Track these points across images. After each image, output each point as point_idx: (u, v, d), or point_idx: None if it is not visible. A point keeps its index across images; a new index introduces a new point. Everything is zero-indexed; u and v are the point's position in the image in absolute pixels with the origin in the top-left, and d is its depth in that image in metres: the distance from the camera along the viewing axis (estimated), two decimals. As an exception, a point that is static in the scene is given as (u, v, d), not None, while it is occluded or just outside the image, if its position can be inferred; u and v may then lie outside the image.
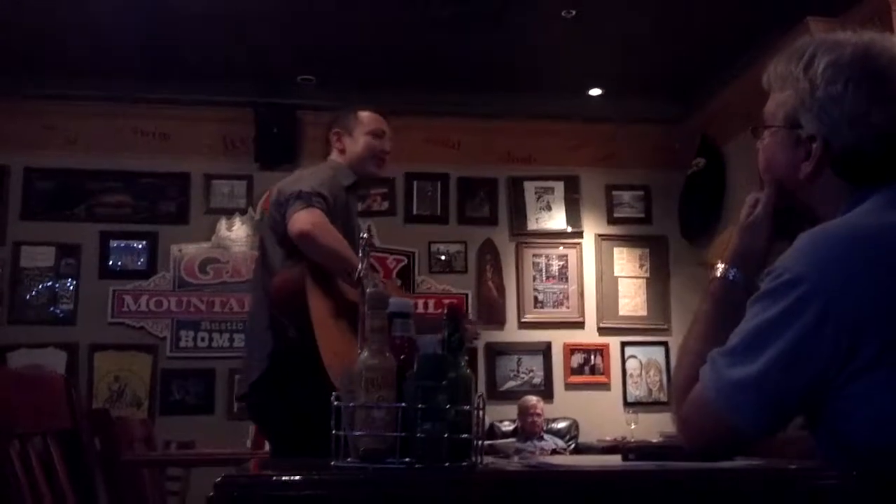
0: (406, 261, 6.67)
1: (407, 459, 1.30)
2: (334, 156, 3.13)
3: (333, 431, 1.40)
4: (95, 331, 6.17)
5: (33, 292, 6.25)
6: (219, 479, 1.13)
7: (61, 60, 5.96)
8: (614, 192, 7.03)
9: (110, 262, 6.35)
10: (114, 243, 6.35)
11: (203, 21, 5.45)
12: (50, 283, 6.27)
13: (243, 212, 6.57)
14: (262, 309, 2.81)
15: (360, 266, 2.60)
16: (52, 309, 6.25)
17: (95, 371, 6.15)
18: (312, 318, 2.62)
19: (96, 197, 6.41)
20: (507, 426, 6.21)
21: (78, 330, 6.22)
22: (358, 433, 1.39)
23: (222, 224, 6.52)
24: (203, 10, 5.32)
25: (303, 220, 2.71)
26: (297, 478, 1.23)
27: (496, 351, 6.66)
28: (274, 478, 1.26)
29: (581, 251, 6.90)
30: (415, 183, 6.85)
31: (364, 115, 3.16)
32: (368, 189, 3.35)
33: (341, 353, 2.61)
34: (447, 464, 1.29)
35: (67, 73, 6.08)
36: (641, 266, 6.94)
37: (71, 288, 6.27)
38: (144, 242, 6.42)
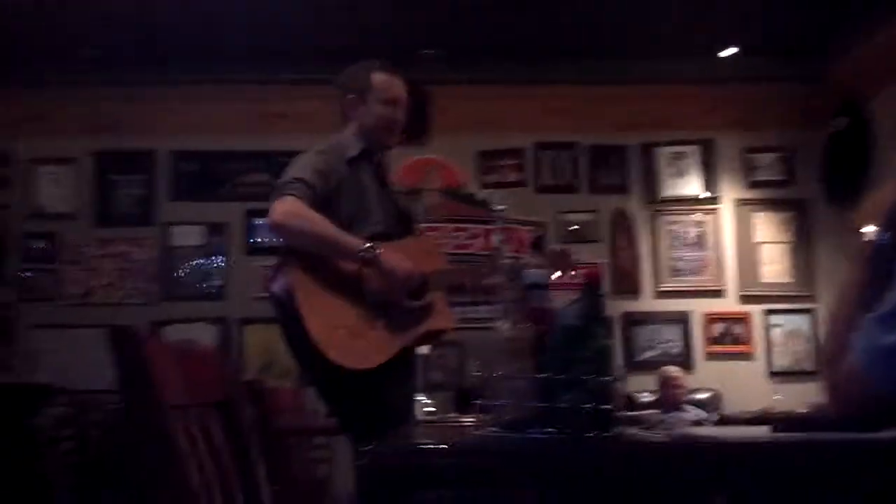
0: (538, 232, 6.65)
1: (549, 429, 1.31)
2: (350, 128, 3.03)
3: (476, 401, 1.42)
4: (244, 305, 6.41)
5: (183, 270, 6.58)
6: (369, 446, 1.17)
7: (202, 46, 6.20)
8: (752, 156, 6.78)
9: (256, 239, 6.59)
10: (257, 221, 6.58)
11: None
12: (200, 261, 6.58)
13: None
14: None
15: (360, 246, 2.67)
16: (202, 285, 6.56)
17: (245, 344, 6.42)
18: (297, 301, 2.64)
19: (238, 177, 6.66)
20: (646, 397, 6.12)
21: (227, 305, 6.50)
22: (499, 403, 1.40)
23: (357, 200, 6.65)
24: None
25: (273, 211, 2.73)
26: (443, 447, 1.25)
27: (633, 321, 6.57)
28: (419, 446, 1.29)
29: (719, 217, 6.71)
30: (544, 153, 6.80)
31: (377, 78, 3.03)
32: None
33: (334, 324, 2.64)
34: (590, 434, 1.29)
35: (208, 58, 6.31)
36: (784, 231, 6.69)
37: (220, 265, 6.56)
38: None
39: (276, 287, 2.76)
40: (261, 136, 6.62)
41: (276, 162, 6.61)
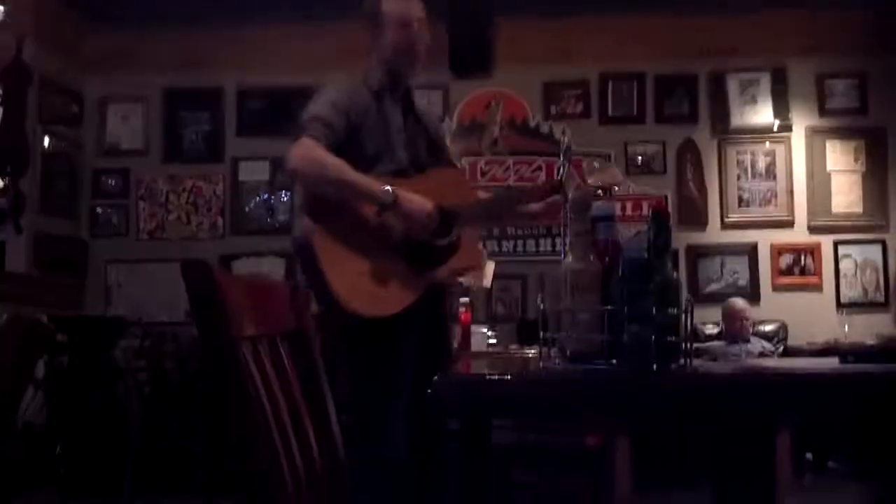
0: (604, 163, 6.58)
1: (614, 361, 1.32)
2: (372, 58, 2.90)
3: (541, 333, 1.43)
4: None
5: (252, 204, 6.68)
6: (436, 377, 1.19)
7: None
8: (826, 82, 6.57)
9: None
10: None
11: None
12: (266, 196, 6.68)
13: (441, 120, 6.67)
14: None
15: (379, 190, 2.58)
16: (269, 219, 6.66)
17: (311, 277, 6.52)
18: (316, 251, 2.57)
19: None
20: (711, 329, 6.09)
21: (294, 239, 6.59)
22: (565, 335, 1.41)
23: (421, 133, 6.65)
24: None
25: (289, 157, 2.64)
26: (508, 377, 1.27)
27: (698, 253, 6.49)
28: (488, 376, 1.31)
29: (790, 146, 6.54)
30: (609, 83, 6.68)
31: (387, 3, 2.89)
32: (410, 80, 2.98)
33: (357, 273, 2.58)
34: (655, 366, 1.29)
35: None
36: (857, 160, 6.51)
37: (286, 200, 6.64)
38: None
39: (297, 233, 2.72)
40: (324, 72, 6.60)
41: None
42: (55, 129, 6.36)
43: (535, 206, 2.92)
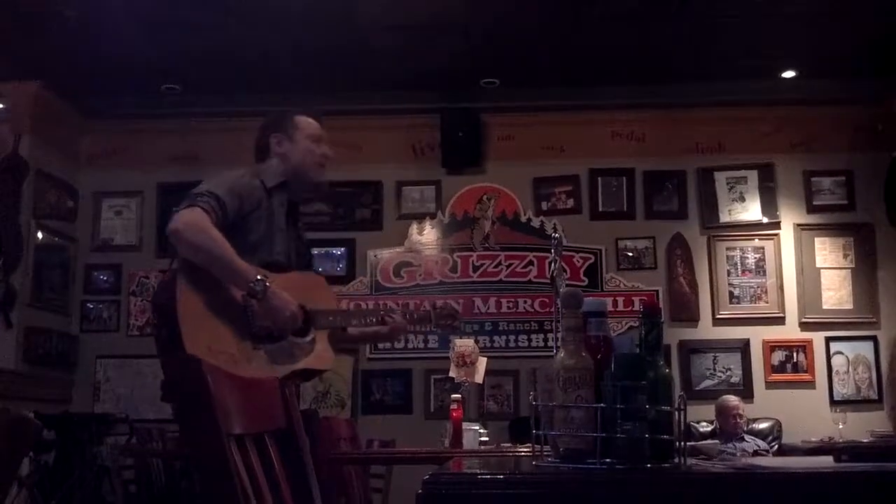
0: (593, 259, 6.62)
1: (608, 460, 1.30)
2: (273, 161, 3.05)
3: (534, 431, 1.41)
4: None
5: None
6: (427, 476, 1.17)
7: (264, 78, 6.31)
8: (813, 179, 6.67)
9: (318, 270, 6.64)
10: (315, 250, 6.62)
11: (387, 31, 5.63)
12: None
13: (433, 216, 6.73)
14: None
15: (253, 277, 2.64)
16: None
17: (301, 373, 6.46)
18: (179, 315, 2.59)
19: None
20: (705, 427, 6.02)
21: (283, 334, 6.55)
22: (557, 433, 1.40)
23: (413, 228, 6.70)
24: (387, 20, 5.49)
25: (175, 217, 2.70)
26: (501, 477, 1.25)
27: (690, 349, 6.48)
28: (479, 476, 1.29)
29: (779, 242, 6.60)
30: (599, 179, 6.77)
31: (301, 119, 3.10)
32: (313, 196, 3.43)
33: (213, 348, 2.58)
34: (649, 465, 1.28)
35: (271, 91, 6.37)
36: (846, 256, 6.56)
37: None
38: (343, 249, 6.71)
39: (163, 297, 2.74)
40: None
41: (333, 192, 6.68)
42: (49, 223, 6.40)
43: (366, 330, 3.14)
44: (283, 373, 2.73)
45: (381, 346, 6.48)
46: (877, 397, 6.33)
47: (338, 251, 6.70)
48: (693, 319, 6.53)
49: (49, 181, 6.41)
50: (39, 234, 6.28)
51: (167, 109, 6.65)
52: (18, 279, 6.00)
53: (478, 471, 1.37)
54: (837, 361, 6.42)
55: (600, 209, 6.74)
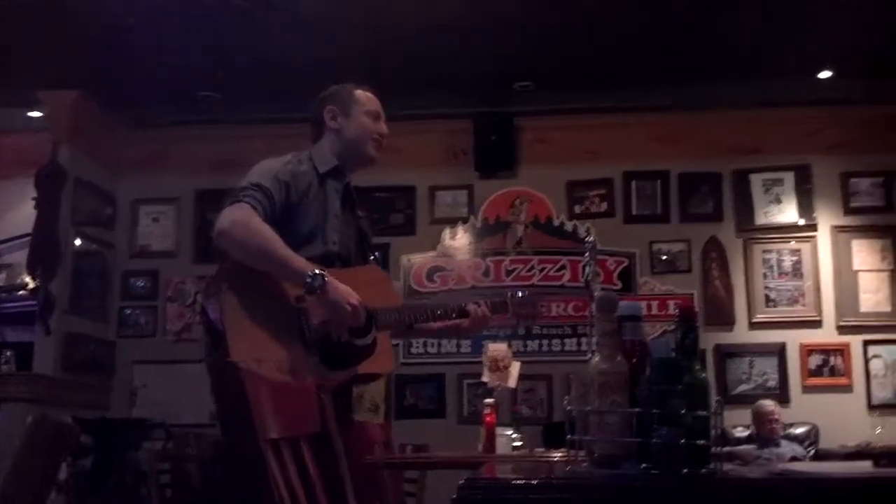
0: (627, 262, 6.58)
1: (643, 465, 1.29)
2: (327, 137, 2.87)
3: (568, 436, 1.41)
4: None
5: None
6: (462, 481, 1.17)
7: (296, 85, 6.34)
8: (851, 180, 6.59)
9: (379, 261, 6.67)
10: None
11: (421, 35, 5.63)
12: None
13: (465, 220, 6.73)
14: None
15: (308, 271, 2.43)
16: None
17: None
18: (224, 322, 2.44)
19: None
20: (740, 432, 5.96)
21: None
22: (592, 438, 1.39)
23: (446, 233, 6.71)
24: (423, 23, 5.49)
25: (221, 218, 2.52)
26: (535, 482, 1.25)
27: (726, 353, 6.42)
28: (514, 481, 1.29)
29: (816, 245, 6.52)
30: (633, 182, 6.74)
31: (360, 93, 2.91)
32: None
33: (259, 354, 2.38)
34: (685, 470, 1.27)
35: (307, 96, 6.40)
36: (883, 258, 6.46)
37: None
38: (378, 253, 6.69)
39: (211, 313, 2.56)
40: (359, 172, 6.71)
41: (370, 197, 6.68)
42: (87, 230, 6.48)
43: (434, 325, 2.91)
44: (339, 379, 2.58)
45: (413, 350, 6.50)
46: (916, 401, 6.24)
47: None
48: (729, 323, 6.47)
49: (87, 189, 6.50)
50: (78, 242, 6.37)
51: (204, 116, 6.71)
52: (57, 286, 6.08)
53: (512, 476, 1.37)
54: (875, 365, 6.33)
55: (634, 212, 6.70)
